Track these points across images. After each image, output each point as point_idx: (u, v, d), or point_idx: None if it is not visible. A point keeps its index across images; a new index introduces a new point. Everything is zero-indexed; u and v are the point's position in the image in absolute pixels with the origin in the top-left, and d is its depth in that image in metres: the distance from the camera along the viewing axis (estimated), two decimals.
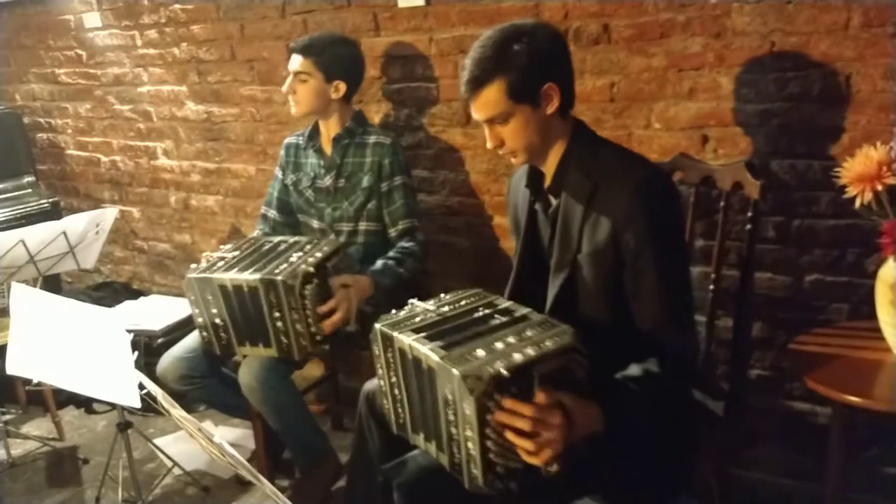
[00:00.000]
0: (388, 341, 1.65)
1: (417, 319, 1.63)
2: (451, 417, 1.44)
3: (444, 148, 2.73)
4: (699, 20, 2.12)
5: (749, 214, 1.95)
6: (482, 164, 2.66)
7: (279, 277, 2.12)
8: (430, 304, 1.70)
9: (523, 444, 1.38)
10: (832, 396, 1.67)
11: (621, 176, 1.58)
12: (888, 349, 1.74)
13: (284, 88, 2.50)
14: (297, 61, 2.45)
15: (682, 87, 2.19)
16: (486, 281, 2.72)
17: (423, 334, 1.56)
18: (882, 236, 1.69)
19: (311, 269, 2.15)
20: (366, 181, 2.50)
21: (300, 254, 2.24)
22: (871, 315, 1.78)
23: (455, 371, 1.37)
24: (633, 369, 1.54)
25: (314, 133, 2.60)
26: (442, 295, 1.74)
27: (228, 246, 2.39)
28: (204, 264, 2.30)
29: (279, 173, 2.69)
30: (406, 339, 1.57)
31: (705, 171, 2.09)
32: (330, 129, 2.55)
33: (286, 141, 2.70)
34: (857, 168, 1.66)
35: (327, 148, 2.57)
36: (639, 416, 1.51)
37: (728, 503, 2.03)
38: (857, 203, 1.66)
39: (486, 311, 1.61)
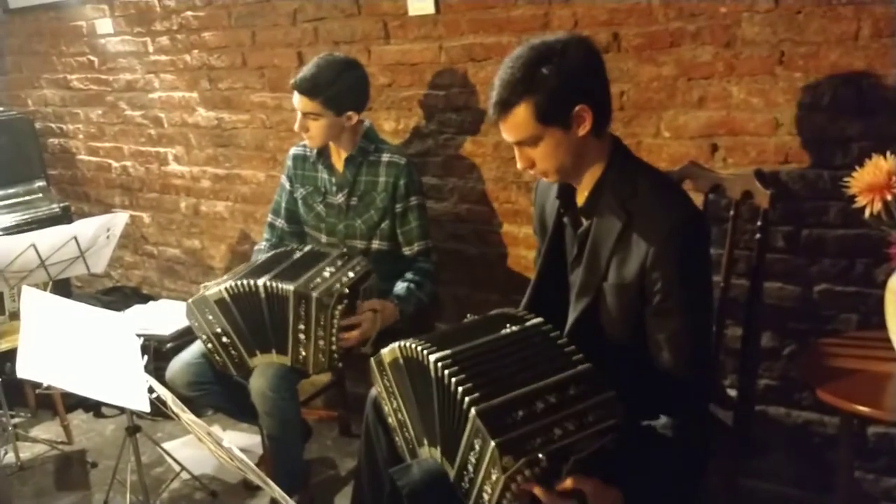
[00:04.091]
0: (380, 366, 1.67)
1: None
2: (473, 460, 1.42)
3: (452, 155, 2.73)
4: (709, 29, 2.12)
5: (758, 224, 1.95)
6: (491, 171, 2.66)
7: (314, 294, 2.14)
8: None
9: None
10: (841, 406, 1.66)
11: (659, 213, 1.54)
12: None
13: (297, 128, 2.44)
14: (304, 103, 2.37)
15: (691, 95, 2.20)
16: (494, 289, 2.75)
17: (414, 338, 1.57)
18: (891, 246, 1.69)
19: (346, 290, 2.16)
20: (380, 201, 2.48)
21: (332, 269, 2.25)
22: (881, 325, 1.77)
23: (492, 442, 1.34)
24: (653, 425, 1.53)
25: (323, 148, 2.55)
26: None
27: (224, 276, 2.41)
28: (201, 291, 2.32)
29: (286, 183, 2.67)
30: (394, 345, 1.59)
31: (715, 179, 2.08)
32: (343, 147, 2.50)
33: (293, 151, 2.66)
34: (867, 178, 1.65)
35: (338, 164, 2.54)
36: (658, 493, 1.51)
37: None
38: (867, 213, 1.66)
39: (512, 327, 1.58)
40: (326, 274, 2.22)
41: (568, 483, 1.38)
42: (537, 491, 1.36)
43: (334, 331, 2.18)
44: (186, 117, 3.52)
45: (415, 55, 2.70)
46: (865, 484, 2.18)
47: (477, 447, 1.40)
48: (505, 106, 1.54)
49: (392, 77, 2.78)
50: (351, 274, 2.24)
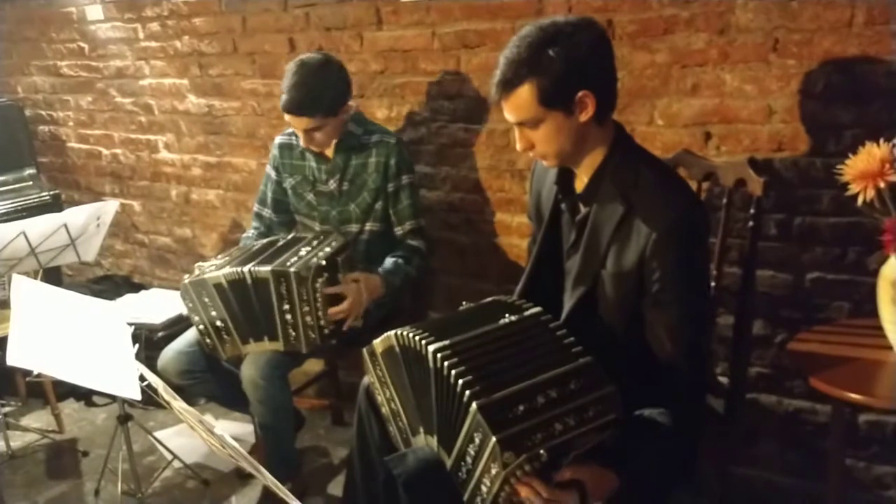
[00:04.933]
0: (372, 356, 1.67)
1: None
2: (472, 452, 1.42)
3: (445, 143, 2.72)
4: (703, 16, 2.11)
5: (751, 211, 1.95)
6: (484, 160, 2.65)
7: (292, 269, 2.15)
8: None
9: None
10: (833, 394, 1.66)
11: (661, 203, 1.53)
12: (889, 347, 1.74)
13: (303, 143, 2.42)
14: (305, 122, 2.34)
15: (685, 83, 2.19)
16: (486, 278, 2.74)
17: (410, 326, 1.55)
18: (884, 234, 1.69)
19: (323, 263, 2.17)
20: (371, 182, 2.47)
21: (308, 248, 2.26)
22: (873, 313, 1.77)
23: (493, 437, 1.33)
24: (649, 413, 1.53)
25: None
26: None
27: (219, 257, 2.41)
28: (196, 272, 2.31)
29: (272, 173, 2.64)
30: (389, 334, 1.57)
31: (708, 167, 2.08)
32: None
33: (278, 140, 2.64)
34: (860, 165, 1.65)
35: (328, 151, 2.52)
36: (653, 478, 1.52)
37: (727, 501, 2.03)
38: (860, 201, 1.66)
39: (511, 316, 1.56)
40: (303, 252, 2.24)
41: (567, 475, 1.38)
42: (537, 486, 1.35)
43: (319, 304, 2.18)
44: (177, 104, 3.49)
45: (407, 41, 2.68)
46: (857, 471, 2.19)
47: (477, 440, 1.39)
48: (508, 85, 1.52)
49: (384, 64, 2.76)
50: (327, 249, 2.25)
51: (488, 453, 1.36)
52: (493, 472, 1.36)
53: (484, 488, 1.41)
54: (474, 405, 1.36)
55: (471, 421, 1.39)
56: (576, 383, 1.41)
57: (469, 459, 1.44)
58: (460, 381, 1.39)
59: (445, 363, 1.43)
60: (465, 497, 1.48)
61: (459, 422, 1.43)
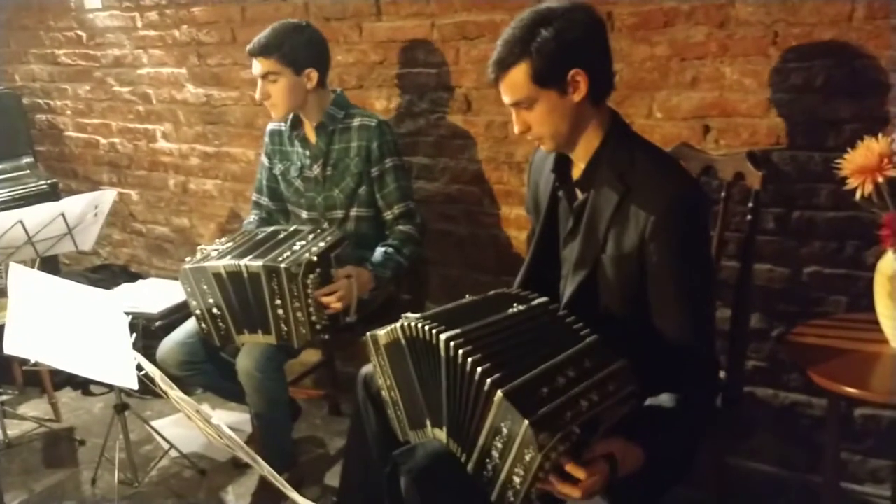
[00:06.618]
0: (375, 345, 1.65)
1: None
2: (499, 445, 1.38)
3: (444, 135, 2.72)
4: (703, 9, 2.11)
5: (750, 205, 1.95)
6: (483, 151, 2.65)
7: (282, 265, 2.14)
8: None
9: (569, 492, 1.36)
10: (829, 388, 1.66)
11: (657, 184, 1.55)
12: (886, 341, 1.74)
13: (258, 95, 2.42)
14: (261, 64, 2.37)
15: (684, 76, 2.19)
16: (484, 269, 2.74)
17: (415, 316, 1.54)
18: (882, 228, 1.69)
19: (315, 258, 2.16)
20: (354, 166, 2.46)
21: (303, 243, 2.26)
22: (870, 307, 1.78)
23: (525, 421, 1.29)
24: (664, 399, 1.54)
25: (297, 121, 2.54)
26: None
27: (223, 238, 2.41)
28: (199, 256, 2.31)
29: (265, 161, 2.65)
30: (394, 325, 1.56)
31: (706, 161, 2.08)
32: (311, 117, 2.49)
33: (269, 127, 2.64)
34: (858, 160, 1.65)
35: (311, 136, 2.52)
36: (674, 451, 1.54)
37: (723, 493, 2.04)
38: (858, 195, 1.66)
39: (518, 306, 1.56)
40: (297, 247, 2.23)
41: (598, 450, 1.38)
42: (572, 469, 1.34)
43: (310, 301, 2.18)
44: (175, 94, 3.48)
45: (407, 32, 2.67)
46: (852, 465, 2.20)
47: (505, 430, 1.36)
48: (503, 65, 1.55)
49: (384, 55, 2.76)
50: (321, 244, 2.24)
51: (521, 439, 1.32)
52: (528, 458, 1.33)
53: (517, 479, 1.37)
54: (499, 393, 1.33)
55: (496, 411, 1.36)
56: (589, 361, 1.43)
57: (496, 454, 1.40)
58: (479, 370, 1.36)
59: (460, 351, 1.40)
60: (494, 496, 1.44)
61: (479, 416, 1.40)
